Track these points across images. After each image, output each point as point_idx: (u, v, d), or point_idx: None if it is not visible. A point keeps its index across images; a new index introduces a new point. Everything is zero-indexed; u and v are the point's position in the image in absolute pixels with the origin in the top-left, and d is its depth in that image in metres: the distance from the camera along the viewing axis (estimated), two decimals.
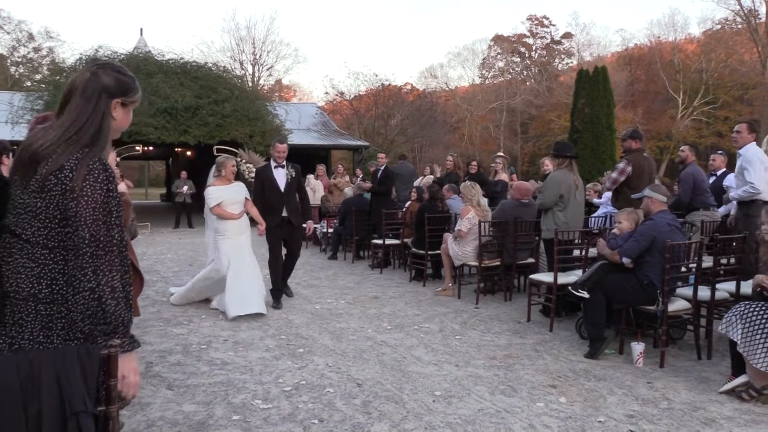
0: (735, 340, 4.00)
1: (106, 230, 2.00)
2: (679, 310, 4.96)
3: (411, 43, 77.79)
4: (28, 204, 2.03)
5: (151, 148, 20.15)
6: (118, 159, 10.97)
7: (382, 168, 10.86)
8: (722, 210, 7.11)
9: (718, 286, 5.13)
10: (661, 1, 66.56)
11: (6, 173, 2.20)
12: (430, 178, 12.37)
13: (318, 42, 75.57)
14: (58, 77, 17.67)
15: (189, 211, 17.34)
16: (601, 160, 22.58)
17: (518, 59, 50.80)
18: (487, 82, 50.22)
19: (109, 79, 2.13)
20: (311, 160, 18.66)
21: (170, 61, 18.03)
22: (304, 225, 7.17)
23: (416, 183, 12.42)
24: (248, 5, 54.78)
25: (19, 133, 15.23)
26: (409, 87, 47.20)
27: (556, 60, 50.62)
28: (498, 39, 49.55)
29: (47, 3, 64.00)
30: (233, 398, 4.04)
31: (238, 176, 6.74)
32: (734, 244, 5.44)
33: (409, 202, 9.95)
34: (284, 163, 6.94)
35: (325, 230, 11.94)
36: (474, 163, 10.32)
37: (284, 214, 6.85)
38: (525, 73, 51.16)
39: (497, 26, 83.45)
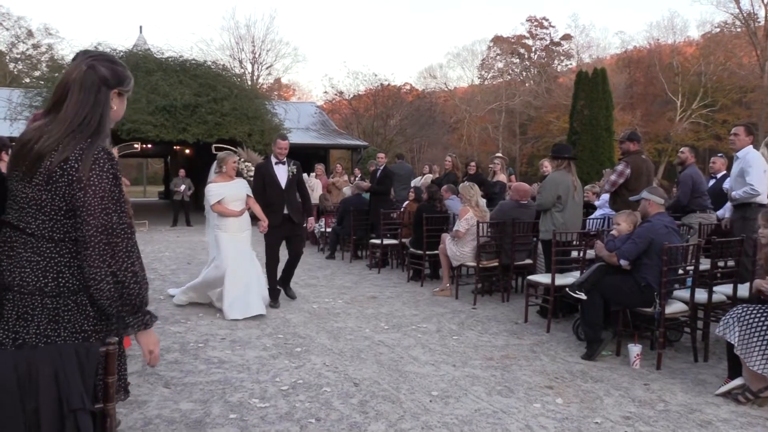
0: (732, 342, 4.01)
1: (117, 218, 2.04)
2: (676, 313, 4.98)
3: (410, 43, 77.89)
4: (32, 198, 2.04)
5: (149, 145, 20.16)
6: (116, 156, 10.94)
7: (382, 168, 10.86)
8: (721, 213, 7.12)
9: (715, 288, 5.14)
10: (660, 4, 66.74)
11: (4, 169, 2.19)
12: (429, 177, 12.37)
13: (317, 41, 75.69)
14: (56, 74, 17.63)
15: (187, 209, 17.33)
16: (599, 162, 22.61)
17: (517, 60, 50.85)
18: (486, 82, 50.28)
19: (105, 70, 2.15)
20: (310, 159, 18.67)
21: (169, 59, 18.03)
22: (306, 224, 7.10)
23: (416, 182, 12.43)
24: (248, 4, 54.88)
25: (18, 129, 15.23)
26: (408, 87, 47.25)
27: (556, 61, 50.67)
28: (497, 40, 49.59)
29: (47, 0, 63.95)
30: (230, 397, 4.04)
31: (237, 175, 6.66)
32: (731, 246, 5.44)
33: (406, 202, 9.96)
34: (285, 159, 6.86)
35: (323, 229, 11.94)
36: (473, 163, 10.32)
37: (285, 211, 6.77)
38: (524, 74, 51.22)
39: (497, 27, 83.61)
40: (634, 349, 4.80)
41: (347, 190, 12.52)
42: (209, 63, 19.31)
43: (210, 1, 71.15)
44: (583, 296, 5.02)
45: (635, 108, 39.95)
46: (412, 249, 8.62)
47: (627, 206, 5.72)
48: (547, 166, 9.06)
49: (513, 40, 49.69)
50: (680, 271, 5.07)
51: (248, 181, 6.92)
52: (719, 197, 7.22)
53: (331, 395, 4.10)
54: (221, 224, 6.40)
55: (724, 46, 38.98)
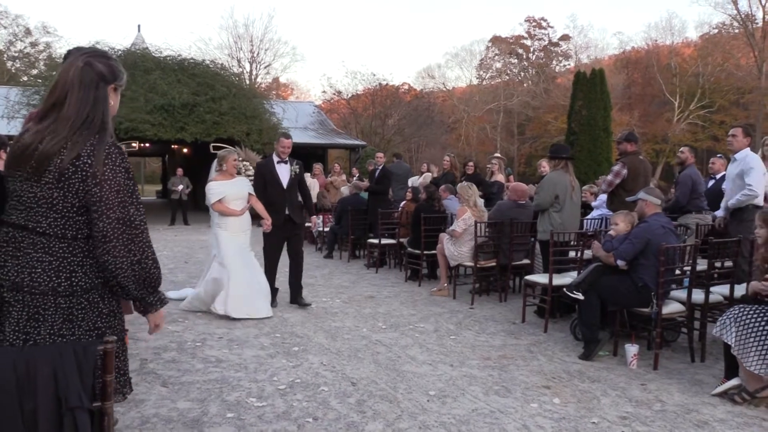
0: (729, 343, 4.02)
1: (135, 210, 2.11)
2: (673, 313, 4.99)
3: (409, 43, 77.91)
4: (41, 197, 2.04)
5: (147, 144, 20.13)
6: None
7: (380, 167, 10.86)
8: (719, 214, 7.13)
9: (712, 289, 5.15)
10: (658, 5, 66.92)
11: (1, 167, 2.20)
12: (428, 176, 12.37)
13: (316, 41, 75.72)
14: (54, 72, 17.60)
15: (185, 208, 17.31)
16: (597, 162, 22.65)
17: (516, 60, 50.90)
18: (484, 83, 50.33)
19: (102, 66, 2.17)
20: (308, 159, 18.65)
21: (168, 58, 18.02)
22: (308, 224, 7.01)
23: (414, 180, 12.43)
24: (246, 3, 54.78)
25: (15, 127, 15.19)
26: (406, 87, 47.23)
27: (554, 62, 50.73)
28: (496, 40, 49.61)
29: None
30: (228, 396, 4.04)
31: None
32: (728, 247, 5.45)
33: (404, 202, 9.96)
34: (288, 158, 6.72)
35: (321, 228, 11.93)
36: (471, 163, 10.32)
37: (287, 211, 6.64)
38: (522, 74, 51.27)
39: (495, 27, 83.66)
40: (631, 349, 4.81)
41: (345, 190, 12.52)
42: (207, 62, 19.31)
43: (208, 0, 71.14)
44: (580, 296, 5.02)
45: (633, 108, 40.02)
46: (409, 249, 8.62)
47: (624, 207, 5.73)
48: (545, 166, 9.07)
49: (511, 41, 49.72)
50: (677, 272, 5.08)
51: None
52: (719, 198, 7.22)
53: (329, 394, 4.10)
54: (222, 223, 6.29)
55: (722, 48, 39.06)
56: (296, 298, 6.78)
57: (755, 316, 3.98)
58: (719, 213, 6.58)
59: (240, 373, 4.50)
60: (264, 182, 6.67)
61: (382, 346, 5.29)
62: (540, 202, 6.56)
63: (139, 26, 38.30)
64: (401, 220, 9.45)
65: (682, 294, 5.09)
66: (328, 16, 79.60)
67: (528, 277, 6.52)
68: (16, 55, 42.65)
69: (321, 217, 12.08)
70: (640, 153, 6.79)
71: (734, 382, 4.10)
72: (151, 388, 4.14)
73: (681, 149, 7.80)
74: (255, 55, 43.14)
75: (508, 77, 49.59)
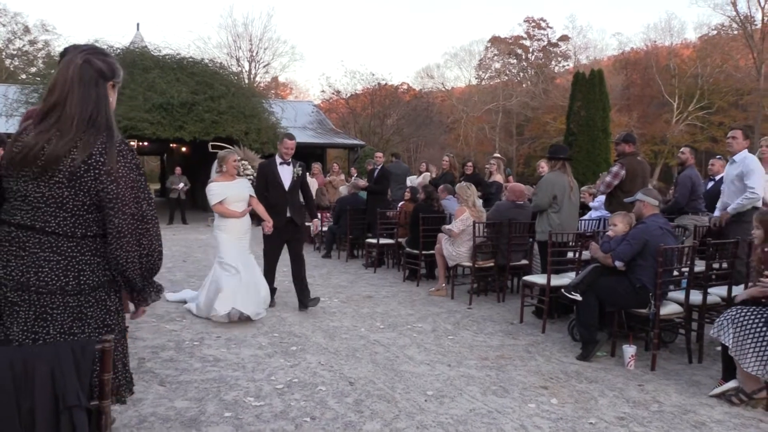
0: (726, 344, 4.03)
1: (147, 205, 2.17)
2: (670, 314, 4.99)
3: (408, 43, 77.89)
4: (50, 196, 2.05)
5: (145, 143, 20.13)
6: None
7: (379, 167, 10.86)
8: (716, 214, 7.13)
9: (709, 290, 5.16)
10: (657, 6, 66.93)
11: None
12: (427, 176, 12.37)
13: (315, 40, 75.66)
14: (53, 70, 17.59)
15: (183, 207, 17.30)
16: (596, 163, 22.65)
17: (515, 61, 50.89)
18: (483, 83, 50.33)
19: (101, 63, 2.18)
20: (307, 158, 18.64)
21: (167, 57, 18.00)
22: (309, 224, 6.94)
23: (412, 180, 12.42)
24: (246, 2, 54.84)
25: (14, 125, 15.17)
26: (405, 87, 47.21)
27: (553, 62, 50.75)
28: (495, 40, 49.62)
29: None
30: (225, 395, 4.04)
31: None
32: (726, 249, 5.46)
33: (402, 202, 9.96)
34: (291, 160, 6.60)
35: (319, 227, 11.90)
36: (469, 163, 10.34)
37: (288, 214, 6.51)
38: (521, 74, 51.28)
39: (494, 27, 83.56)
40: (629, 350, 4.81)
41: (344, 190, 12.51)
42: (206, 61, 19.28)
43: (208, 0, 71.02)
44: (578, 297, 5.03)
45: (632, 109, 40.04)
46: (408, 249, 8.62)
47: (622, 208, 5.73)
48: (543, 166, 9.08)
49: (510, 41, 49.72)
50: (675, 273, 5.09)
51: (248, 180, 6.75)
52: (717, 199, 7.23)
53: (327, 394, 4.10)
54: (222, 225, 6.15)
55: (720, 49, 39.09)
56: (304, 301, 6.58)
57: (753, 317, 3.99)
58: (716, 214, 6.58)
59: (238, 373, 4.50)
60: (266, 183, 6.57)
61: (380, 346, 5.29)
62: (538, 203, 6.57)
63: (138, 25, 38.16)
64: (399, 220, 9.45)
65: (679, 295, 5.10)
66: (327, 15, 79.63)
67: (526, 278, 6.52)
68: (15, 53, 42.60)
69: (319, 215, 12.05)
70: (639, 154, 6.79)
71: (732, 384, 4.11)
72: (148, 387, 4.14)
73: (681, 150, 7.79)
74: (254, 54, 43.15)
75: (507, 77, 49.61)
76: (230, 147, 15.99)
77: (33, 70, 33.65)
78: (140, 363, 4.64)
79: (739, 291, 5.07)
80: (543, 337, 5.74)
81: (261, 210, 6.34)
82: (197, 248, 11.84)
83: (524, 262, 7.53)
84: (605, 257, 5.09)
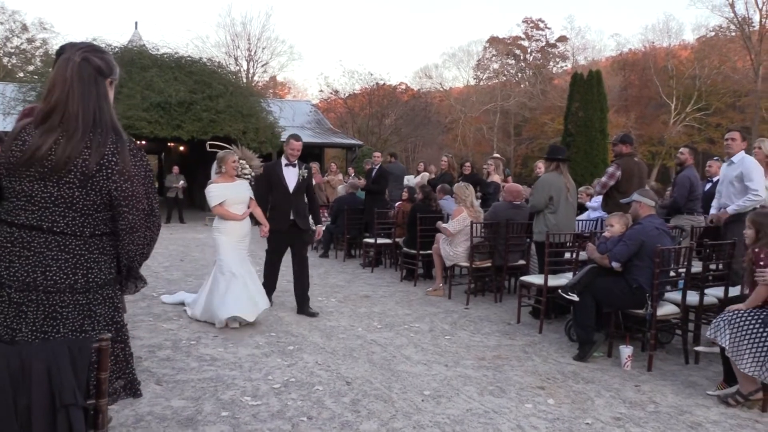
0: (723, 345, 4.03)
1: (154, 199, 2.27)
2: (667, 315, 5.00)
3: (406, 42, 77.83)
4: (59, 196, 2.06)
5: (143, 142, 20.08)
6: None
7: (377, 167, 10.86)
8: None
9: (706, 291, 5.17)
10: (656, 7, 67.00)
11: None
12: (425, 176, 12.38)
13: (313, 40, 75.58)
14: (50, 69, 17.56)
15: (181, 206, 17.28)
16: (593, 164, 22.65)
17: (513, 61, 50.90)
18: (481, 83, 50.34)
19: (99, 60, 2.19)
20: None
21: (165, 56, 17.98)
22: (313, 228, 6.67)
23: (409, 179, 12.42)
24: (244, 1, 54.77)
25: (11, 124, 15.14)
26: (403, 87, 47.25)
27: (551, 63, 50.77)
28: (493, 41, 49.65)
29: None
30: (222, 394, 4.03)
31: None
32: (723, 250, 5.46)
33: (399, 202, 9.97)
34: (296, 162, 6.43)
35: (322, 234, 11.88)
36: (468, 164, 10.35)
37: (292, 217, 6.30)
38: (519, 75, 51.29)
39: (493, 28, 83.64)
40: (626, 350, 4.82)
41: (342, 189, 12.52)
42: (205, 60, 19.26)
43: None
44: (575, 298, 5.03)
45: (630, 110, 40.07)
46: (405, 248, 8.63)
47: (618, 208, 5.74)
48: (540, 167, 9.09)
49: (509, 41, 49.74)
50: (672, 273, 5.10)
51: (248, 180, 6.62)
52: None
53: (323, 394, 4.10)
54: (221, 227, 5.97)
55: (718, 50, 39.14)
56: (303, 308, 6.46)
57: (749, 318, 3.99)
58: (712, 212, 6.57)
59: (235, 372, 4.49)
60: (269, 185, 6.41)
61: (377, 346, 5.30)
62: (534, 204, 6.58)
63: (136, 23, 38.11)
64: (397, 220, 9.46)
65: (676, 296, 5.11)
66: (325, 15, 79.57)
67: (523, 278, 6.54)
68: (13, 51, 42.48)
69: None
70: (635, 155, 6.80)
71: (734, 389, 4.10)
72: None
73: (680, 150, 7.79)
74: (252, 53, 43.08)
75: (505, 78, 49.62)
76: (228, 146, 16.01)
77: (31, 68, 33.70)
78: (137, 362, 4.63)
79: (736, 292, 5.10)
80: (540, 338, 5.74)
81: (258, 213, 6.21)
82: (195, 247, 11.83)
83: (521, 262, 7.54)
84: (602, 258, 5.09)
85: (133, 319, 5.90)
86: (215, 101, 17.12)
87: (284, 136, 18.67)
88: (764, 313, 3.98)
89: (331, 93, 41.08)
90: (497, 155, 12.27)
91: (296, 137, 6.50)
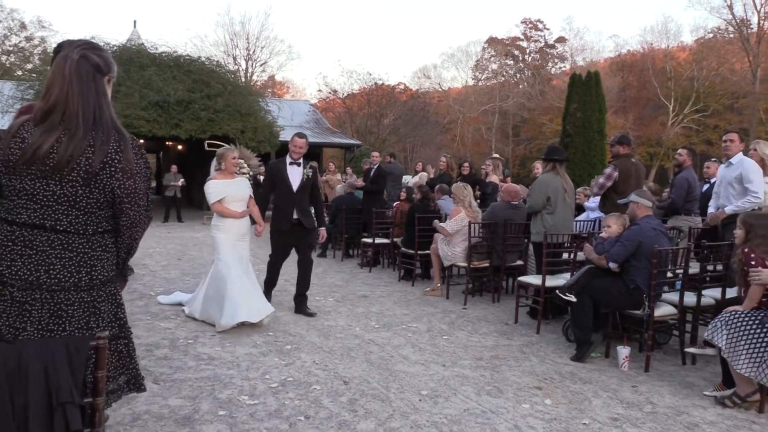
0: (719, 345, 4.04)
1: (150, 195, 2.34)
2: (665, 315, 5.01)
3: (405, 43, 77.89)
4: (62, 195, 2.06)
5: (141, 141, 20.03)
6: None
7: (375, 167, 10.87)
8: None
9: (703, 292, 5.17)
10: (654, 9, 67.12)
11: None
12: (424, 176, 12.39)
13: (312, 39, 75.58)
14: (49, 67, 17.55)
15: (179, 205, 17.25)
16: (591, 165, 22.70)
17: (512, 62, 50.94)
18: (480, 84, 50.38)
19: (97, 58, 2.20)
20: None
21: (163, 54, 17.97)
22: (318, 229, 6.53)
23: (407, 179, 12.43)
24: (243, 0, 54.68)
25: (9, 122, 15.13)
26: (402, 87, 47.29)
27: (549, 64, 50.80)
28: (492, 41, 49.66)
29: None
30: (219, 393, 4.03)
31: None
32: (720, 251, 5.47)
33: (396, 203, 9.97)
34: (301, 160, 6.32)
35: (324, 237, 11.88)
36: (466, 164, 10.36)
37: (295, 216, 6.21)
38: (518, 76, 51.34)
39: (491, 28, 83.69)
40: (623, 351, 4.83)
41: (340, 189, 12.52)
42: (203, 59, 19.26)
43: None
44: (572, 299, 5.04)
45: (628, 111, 40.12)
46: (403, 248, 8.63)
47: (616, 209, 5.74)
48: (538, 168, 9.09)
49: (507, 42, 49.76)
50: (669, 274, 5.11)
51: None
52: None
53: (321, 393, 4.10)
54: (220, 225, 5.87)
55: (716, 52, 39.20)
56: (301, 308, 6.42)
57: (746, 319, 4.00)
58: (710, 211, 6.58)
59: (232, 371, 4.49)
60: (273, 183, 6.33)
61: (374, 346, 5.30)
62: (532, 204, 6.58)
63: (135, 22, 38.29)
64: (395, 220, 9.46)
65: (674, 297, 5.12)
66: (324, 14, 79.59)
67: (521, 278, 6.54)
68: (11, 49, 42.39)
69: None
70: (633, 156, 6.80)
71: (731, 391, 4.11)
72: None
73: (679, 151, 7.80)
74: (251, 52, 43.05)
75: (503, 78, 49.65)
76: (226, 145, 16.01)
77: (29, 66, 33.65)
78: None
79: (733, 293, 5.09)
80: (537, 338, 5.75)
81: (256, 212, 6.14)
82: (192, 246, 11.81)
83: (519, 262, 7.54)
84: (599, 259, 5.10)
85: (130, 317, 5.84)
86: (214, 100, 17.11)
87: (282, 136, 18.71)
88: (761, 314, 3.98)
89: (330, 93, 41.15)
90: (497, 155, 12.28)
91: (300, 134, 6.39)
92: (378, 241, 9.56)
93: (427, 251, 8.07)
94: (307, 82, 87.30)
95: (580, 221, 7.78)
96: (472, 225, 7.14)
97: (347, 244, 10.79)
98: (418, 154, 41.50)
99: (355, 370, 4.60)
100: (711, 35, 41.38)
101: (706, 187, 7.74)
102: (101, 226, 2.17)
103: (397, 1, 79.48)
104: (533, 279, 6.28)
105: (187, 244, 12.22)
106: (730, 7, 37.87)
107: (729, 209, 6.06)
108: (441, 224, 7.52)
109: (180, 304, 6.42)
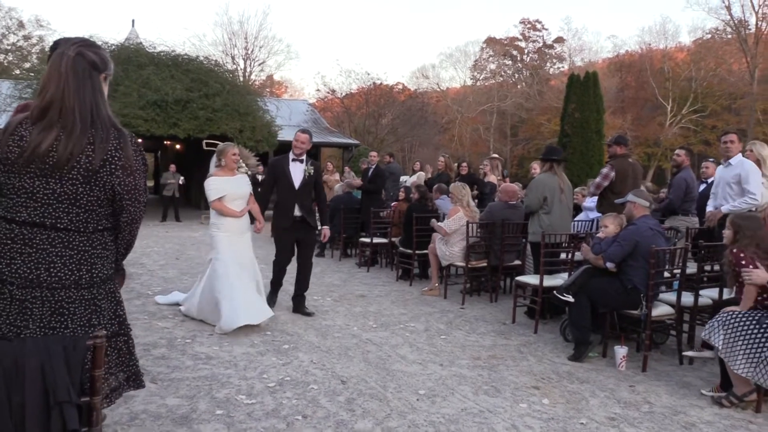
0: (717, 345, 4.05)
1: (147, 191, 2.36)
2: (662, 315, 5.01)
3: (403, 42, 77.90)
4: (62, 193, 2.06)
5: (139, 140, 19.98)
6: None
7: (374, 167, 10.86)
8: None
9: (701, 292, 5.18)
10: (652, 9, 67.17)
11: None
12: (422, 175, 12.38)
13: (310, 39, 75.48)
14: (46, 65, 17.54)
15: (177, 205, 17.23)
16: (589, 165, 22.70)
17: (510, 62, 50.95)
18: (478, 83, 50.38)
19: (93, 55, 2.19)
20: None
21: (161, 54, 17.93)
22: (320, 228, 6.54)
23: (408, 180, 12.43)
24: (241, 0, 54.71)
25: (6, 121, 15.13)
26: (400, 87, 47.30)
27: (548, 64, 50.81)
28: (490, 41, 49.66)
29: None
30: (217, 393, 4.03)
31: None
32: (718, 251, 5.48)
33: (394, 202, 9.97)
34: (303, 157, 6.26)
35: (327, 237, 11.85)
36: (464, 164, 10.37)
37: (297, 213, 6.18)
38: (516, 76, 51.34)
39: (490, 28, 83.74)
40: (620, 350, 4.83)
41: (338, 188, 12.52)
42: (201, 58, 19.22)
43: None
44: (570, 299, 5.04)
45: (626, 112, 40.16)
46: (401, 248, 8.63)
47: (613, 209, 5.75)
48: (536, 168, 9.10)
49: (506, 42, 49.77)
50: (667, 274, 5.11)
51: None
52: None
53: (318, 393, 4.10)
54: (219, 223, 5.76)
55: (714, 53, 39.27)
56: (299, 307, 6.39)
57: (743, 318, 4.01)
58: (709, 209, 6.58)
59: (230, 370, 4.49)
60: (274, 180, 6.30)
61: (372, 345, 5.30)
62: (529, 204, 6.59)
63: (133, 21, 38.33)
64: (393, 220, 9.47)
65: (671, 297, 5.12)
66: (322, 14, 79.57)
67: (519, 278, 6.54)
68: (9, 48, 42.34)
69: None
70: (630, 156, 6.81)
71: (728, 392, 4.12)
72: None
73: (677, 151, 7.80)
74: (249, 52, 43.02)
75: (502, 78, 49.65)
76: (227, 143, 15.98)
77: (27, 65, 33.53)
78: None
79: (730, 293, 5.10)
80: (535, 338, 5.75)
81: (255, 209, 6.09)
82: (190, 246, 11.80)
83: (517, 262, 7.55)
84: (596, 259, 5.10)
85: (128, 317, 5.86)
86: (212, 99, 17.08)
87: (281, 135, 18.69)
88: (758, 314, 3.99)
89: (328, 92, 41.14)
90: (495, 155, 12.28)
91: (304, 130, 6.34)
92: (376, 240, 9.56)
93: (425, 251, 8.07)
94: (305, 82, 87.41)
95: (578, 221, 7.79)
96: (470, 225, 7.15)
97: (345, 243, 10.79)
98: (417, 154, 41.49)
99: (352, 370, 4.60)
100: (709, 36, 41.48)
101: (703, 187, 7.74)
102: (101, 224, 2.17)
103: (395, 1, 79.53)
104: (531, 279, 6.29)
105: (185, 243, 12.21)
106: (728, 8, 38.01)
107: (725, 208, 6.07)
108: (439, 224, 7.53)
109: (177, 304, 6.38)
